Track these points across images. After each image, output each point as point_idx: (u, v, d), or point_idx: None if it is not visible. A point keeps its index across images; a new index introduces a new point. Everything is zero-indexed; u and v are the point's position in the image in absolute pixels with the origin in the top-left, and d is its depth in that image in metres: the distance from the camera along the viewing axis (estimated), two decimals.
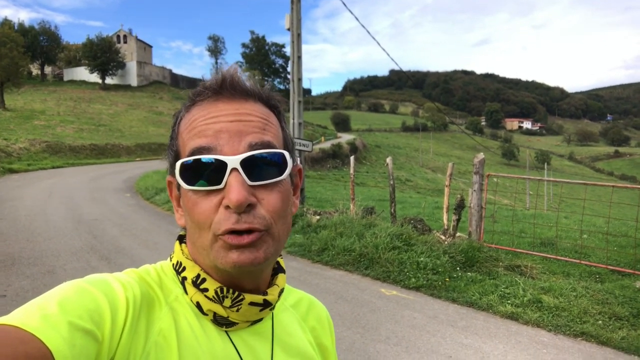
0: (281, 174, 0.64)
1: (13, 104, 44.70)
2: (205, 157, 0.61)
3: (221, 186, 0.60)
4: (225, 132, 0.62)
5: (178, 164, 0.63)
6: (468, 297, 5.48)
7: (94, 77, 68.87)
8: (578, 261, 6.71)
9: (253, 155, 0.61)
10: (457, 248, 6.74)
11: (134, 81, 73.58)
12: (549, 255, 7.04)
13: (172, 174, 0.68)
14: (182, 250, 0.71)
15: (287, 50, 11.61)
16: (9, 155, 26.60)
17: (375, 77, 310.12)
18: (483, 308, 5.23)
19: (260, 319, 0.72)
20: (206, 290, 0.66)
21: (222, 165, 0.60)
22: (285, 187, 0.66)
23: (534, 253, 7.17)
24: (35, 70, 73.41)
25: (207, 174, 0.61)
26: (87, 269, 6.34)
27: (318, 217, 9.11)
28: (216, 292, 0.65)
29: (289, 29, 11.06)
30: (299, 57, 11.04)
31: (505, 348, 4.26)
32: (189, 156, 0.62)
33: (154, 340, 0.60)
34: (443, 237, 7.52)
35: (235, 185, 0.59)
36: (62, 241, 7.96)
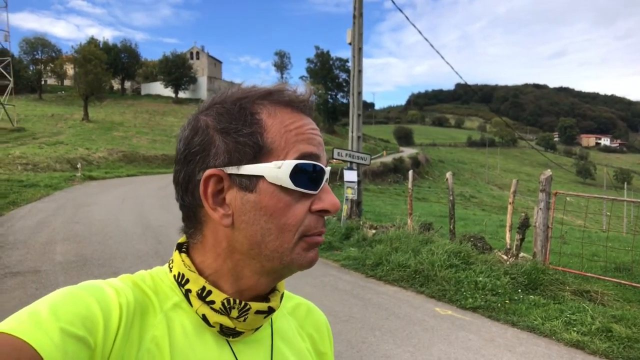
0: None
1: (95, 116, 48.30)
2: (319, 165, 0.65)
3: (316, 192, 0.64)
4: (321, 146, 0.67)
5: (290, 164, 0.61)
6: (529, 322, 5.17)
7: (168, 92, 72.86)
8: None
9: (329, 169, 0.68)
10: (519, 269, 6.40)
11: (204, 95, 76.95)
12: (623, 282, 6.50)
13: (224, 165, 0.63)
14: (183, 261, 0.68)
15: (350, 64, 11.80)
16: (90, 163, 28.75)
17: (440, 91, 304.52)
18: (545, 334, 4.91)
19: (261, 325, 0.71)
20: (212, 302, 0.65)
21: (323, 173, 0.65)
22: None
23: (606, 278, 6.65)
24: (116, 85, 78.99)
25: (314, 178, 0.64)
26: None
27: (374, 231, 9.02)
28: (223, 304, 0.64)
29: (350, 44, 11.16)
30: (360, 71, 11.09)
31: None
32: (297, 159, 0.63)
33: (147, 347, 0.60)
34: (505, 257, 7.18)
35: (331, 193, 0.66)
36: (130, 245, 8.43)
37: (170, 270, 0.69)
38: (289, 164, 0.61)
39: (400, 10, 11.45)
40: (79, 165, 24.26)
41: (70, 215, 11.63)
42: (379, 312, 5.45)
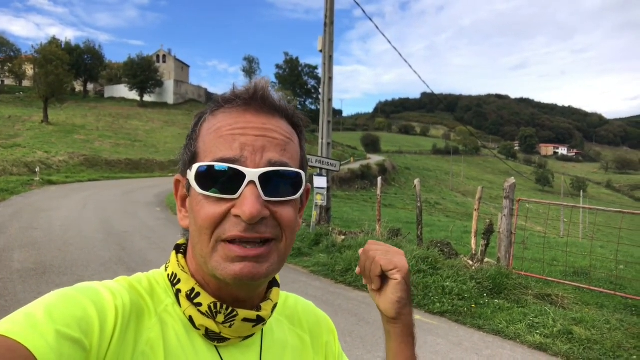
0: (295, 193, 0.65)
1: (56, 118, 46.63)
2: (224, 165, 0.60)
3: (235, 196, 0.60)
4: (250, 146, 0.61)
5: (195, 167, 0.62)
6: (495, 325, 5.30)
7: (133, 95, 71.30)
8: (613, 292, 6.43)
9: (272, 171, 0.61)
10: (484, 274, 6.57)
11: (170, 99, 75.80)
12: (582, 285, 6.77)
13: (183, 173, 0.68)
14: (178, 261, 0.70)
15: (320, 71, 11.95)
16: (49, 167, 27.70)
17: (407, 100, 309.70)
18: (510, 337, 5.04)
19: (252, 334, 0.70)
20: (200, 304, 0.65)
21: (240, 176, 0.60)
22: (296, 205, 0.67)
23: (566, 282, 6.91)
24: (78, 87, 76.62)
25: (224, 182, 0.60)
26: None
27: (343, 237, 9.06)
28: (209, 308, 0.64)
29: (321, 51, 11.23)
30: (330, 79, 11.17)
31: None
32: (213, 162, 0.62)
33: (142, 350, 0.59)
34: (470, 262, 7.34)
35: (250, 198, 0.59)
36: (93, 252, 8.16)
37: (166, 270, 0.71)
38: (195, 167, 0.63)
39: (371, 19, 11.64)
40: (37, 169, 23.34)
41: (28, 220, 11.16)
42: (349, 317, 5.47)
